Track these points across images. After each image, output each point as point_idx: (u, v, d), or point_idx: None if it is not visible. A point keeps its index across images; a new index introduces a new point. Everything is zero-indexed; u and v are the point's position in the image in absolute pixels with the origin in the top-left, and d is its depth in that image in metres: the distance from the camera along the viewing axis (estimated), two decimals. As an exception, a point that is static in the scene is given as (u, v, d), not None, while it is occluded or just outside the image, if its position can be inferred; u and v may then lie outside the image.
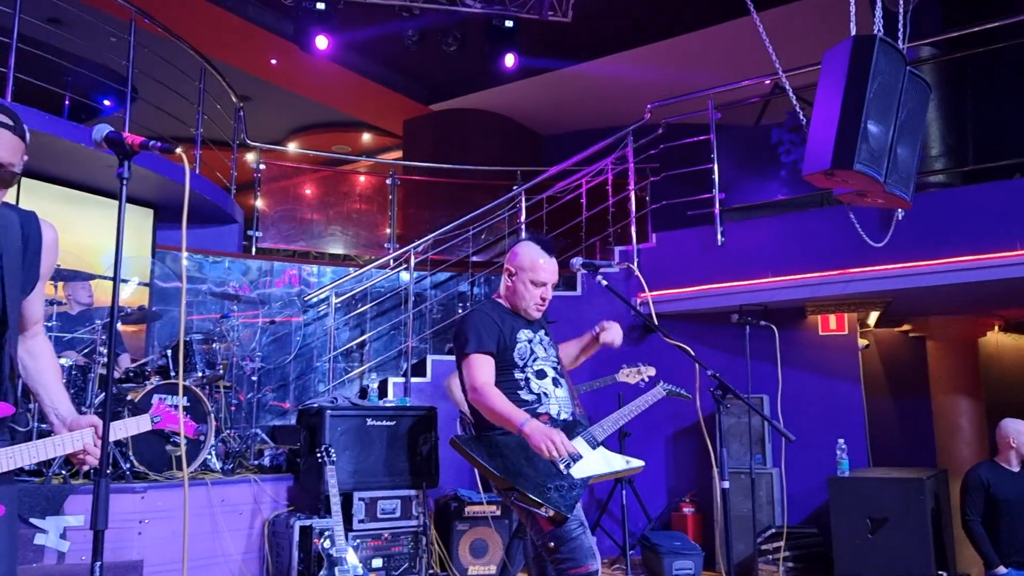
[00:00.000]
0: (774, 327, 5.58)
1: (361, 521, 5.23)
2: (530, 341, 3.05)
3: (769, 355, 5.94)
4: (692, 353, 3.00)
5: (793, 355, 6.12)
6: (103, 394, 5.11)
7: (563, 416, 3.02)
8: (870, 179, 3.60)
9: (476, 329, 2.98)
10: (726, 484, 3.15)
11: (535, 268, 3.06)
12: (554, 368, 3.09)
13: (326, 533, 4.80)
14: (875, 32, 3.67)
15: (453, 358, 6.91)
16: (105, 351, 5.34)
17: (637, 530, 6.35)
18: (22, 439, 4.12)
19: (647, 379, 4.96)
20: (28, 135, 2.12)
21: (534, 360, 3.03)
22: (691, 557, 5.80)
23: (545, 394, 3.00)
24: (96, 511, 1.94)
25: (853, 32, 3.80)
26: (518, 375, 2.99)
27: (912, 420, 7.50)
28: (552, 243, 3.14)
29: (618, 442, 5.82)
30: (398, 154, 12.02)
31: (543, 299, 3.07)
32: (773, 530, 5.68)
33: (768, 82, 7.37)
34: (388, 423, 5.55)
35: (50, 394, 2.20)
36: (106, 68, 8.52)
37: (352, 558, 4.71)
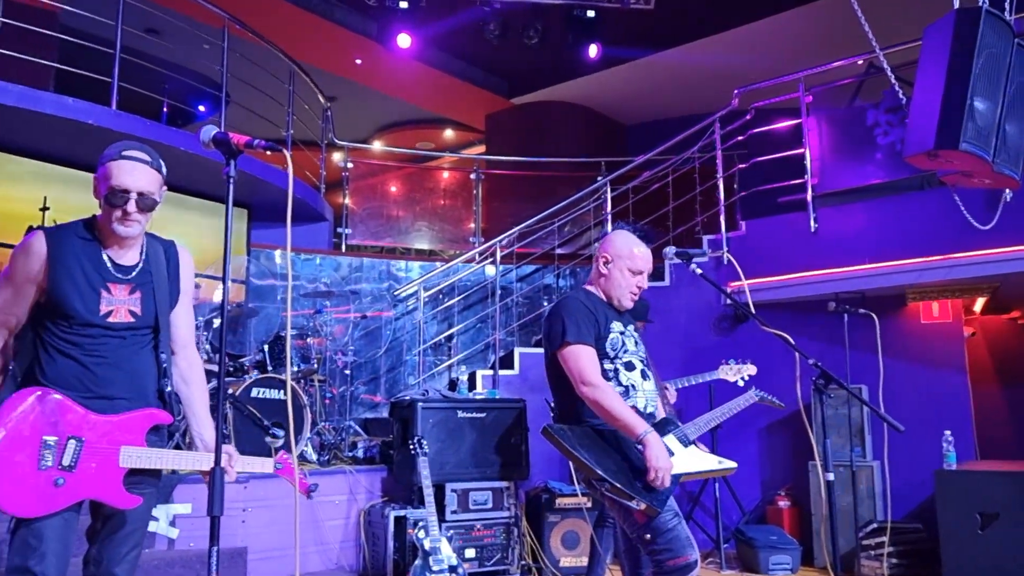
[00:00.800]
0: (874, 315, 5.39)
1: (454, 512, 5.29)
2: (622, 333, 3.02)
3: (868, 344, 5.74)
4: (792, 341, 2.91)
5: (894, 344, 5.90)
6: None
7: (649, 410, 2.99)
8: (977, 159, 3.44)
9: (574, 318, 2.94)
10: (831, 476, 3.05)
11: (633, 256, 3.02)
12: (642, 361, 3.06)
13: (420, 524, 4.87)
14: (980, 3, 3.49)
15: (540, 351, 6.96)
16: (208, 347, 5.55)
17: (731, 523, 6.24)
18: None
19: (747, 377, 4.95)
20: (164, 169, 2.49)
21: (624, 352, 3.00)
22: (788, 551, 5.67)
23: (633, 386, 2.97)
24: (212, 498, 2.03)
25: (956, 4, 3.63)
26: (607, 365, 2.95)
27: (1023, 412, 7.13)
28: (646, 232, 3.11)
29: (709, 434, 5.74)
30: (481, 149, 12.10)
31: (639, 288, 3.03)
32: (875, 525, 5.49)
33: (861, 62, 7.12)
34: (479, 415, 5.60)
35: (200, 422, 2.64)
36: (200, 74, 8.84)
37: (446, 548, 4.77)
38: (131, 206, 2.36)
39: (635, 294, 3.02)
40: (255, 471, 2.57)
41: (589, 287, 3.13)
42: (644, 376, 3.01)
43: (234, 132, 2.19)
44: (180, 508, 4.69)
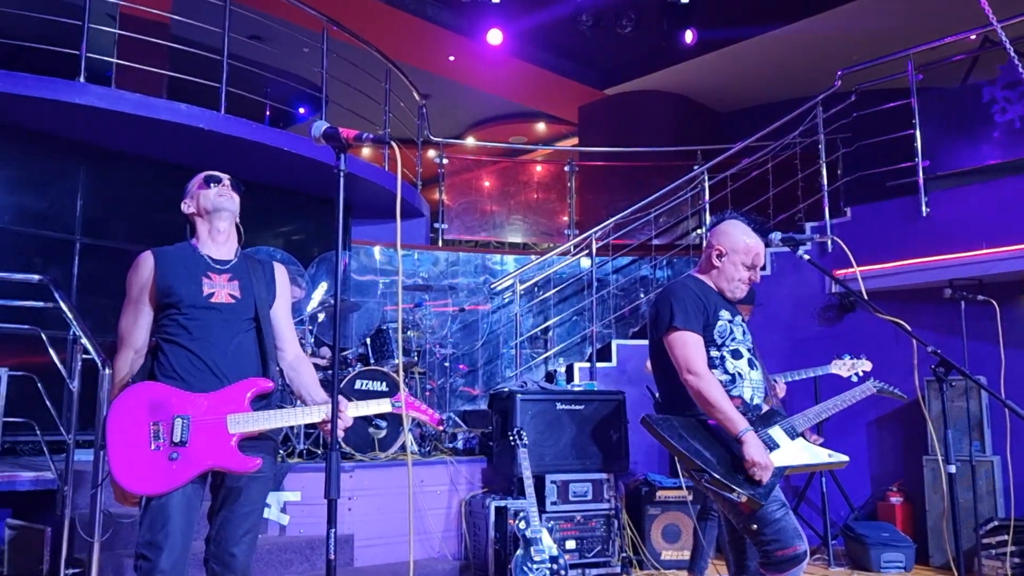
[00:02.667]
0: (994, 302, 5.12)
1: (554, 503, 5.30)
2: (730, 321, 2.97)
3: (988, 333, 5.45)
4: (908, 328, 2.78)
5: (1016, 333, 5.59)
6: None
7: (755, 401, 2.93)
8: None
9: (683, 304, 2.90)
10: (952, 468, 2.91)
11: (748, 250, 2.98)
12: (750, 350, 3.00)
13: (521, 514, 4.90)
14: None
15: (637, 343, 6.90)
16: (312, 341, 5.73)
17: (838, 519, 6.04)
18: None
19: (861, 374, 4.65)
20: (242, 189, 2.92)
21: (732, 340, 2.95)
22: (901, 549, 5.46)
23: (740, 375, 2.91)
24: (329, 481, 2.09)
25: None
26: (714, 353, 2.91)
27: None
28: (756, 223, 3.05)
29: (815, 427, 5.56)
30: (574, 141, 12.06)
31: (751, 280, 2.99)
32: (996, 522, 5.22)
33: (975, 36, 6.77)
34: (577, 407, 5.59)
35: (310, 391, 2.80)
36: (300, 77, 9.12)
37: (547, 539, 4.79)
38: (225, 182, 2.86)
39: (745, 288, 2.98)
40: (370, 412, 2.73)
41: (699, 275, 3.09)
42: (751, 365, 2.96)
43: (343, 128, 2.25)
44: (290, 495, 4.85)
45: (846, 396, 3.04)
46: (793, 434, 2.87)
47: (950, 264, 5.72)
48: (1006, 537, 5.05)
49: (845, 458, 2.91)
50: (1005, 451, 5.45)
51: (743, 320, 3.05)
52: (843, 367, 4.58)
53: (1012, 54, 4.26)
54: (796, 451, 2.84)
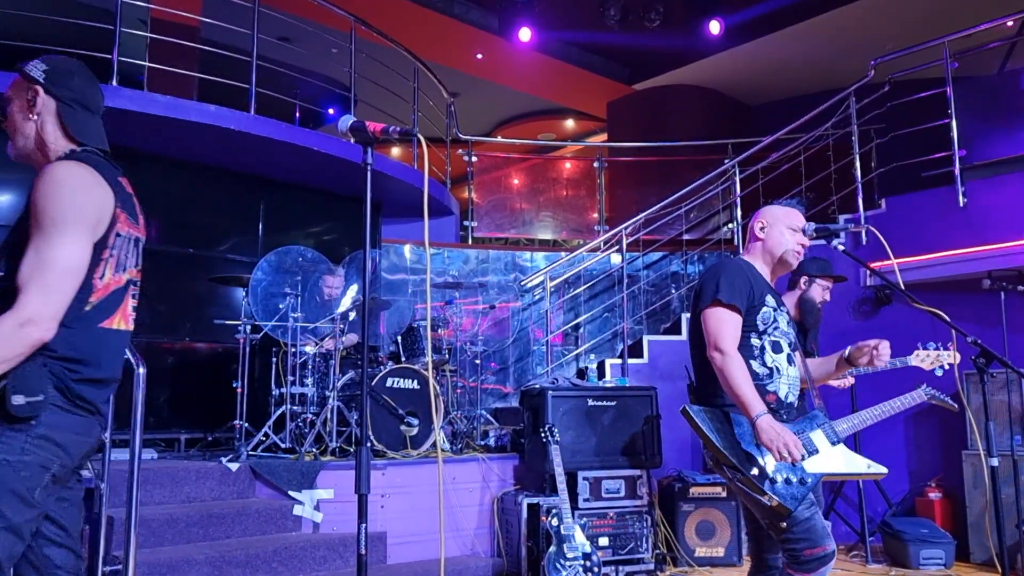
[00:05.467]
0: (1034, 293, 5.00)
1: (586, 500, 5.27)
2: (775, 309, 2.89)
3: (1028, 325, 5.35)
4: (948, 319, 2.71)
5: (1057, 324, 5.47)
6: (343, 376, 5.51)
7: (790, 399, 2.85)
8: None
9: (729, 278, 2.82)
10: (995, 461, 2.84)
11: (789, 215, 2.94)
12: (790, 344, 2.92)
13: (553, 511, 4.89)
14: None
15: (669, 338, 6.84)
16: (352, 339, 5.76)
17: (876, 516, 5.95)
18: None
19: (946, 367, 3.76)
20: (35, 72, 2.15)
21: (775, 329, 2.87)
22: (941, 546, 5.36)
23: (777, 369, 2.84)
24: (359, 477, 2.09)
25: None
26: (755, 341, 2.83)
27: None
28: (794, 199, 3.00)
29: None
30: (603, 137, 12.01)
31: (802, 245, 2.93)
32: (1039, 519, 5.11)
33: (1011, 23, 6.64)
34: (609, 403, 5.56)
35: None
36: (329, 77, 9.17)
37: (580, 536, 4.77)
38: None
39: (799, 253, 2.92)
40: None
41: (747, 257, 3.01)
42: (790, 361, 2.89)
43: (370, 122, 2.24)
44: (323, 493, 4.88)
45: (894, 403, 2.95)
46: (834, 439, 2.80)
47: (989, 255, 5.61)
48: (1050, 534, 4.93)
49: (884, 470, 2.82)
50: (1048, 445, 5.34)
51: (788, 313, 2.98)
52: (926, 358, 3.73)
53: (1051, 39, 4.17)
54: (835, 458, 2.77)
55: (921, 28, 7.24)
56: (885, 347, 2.87)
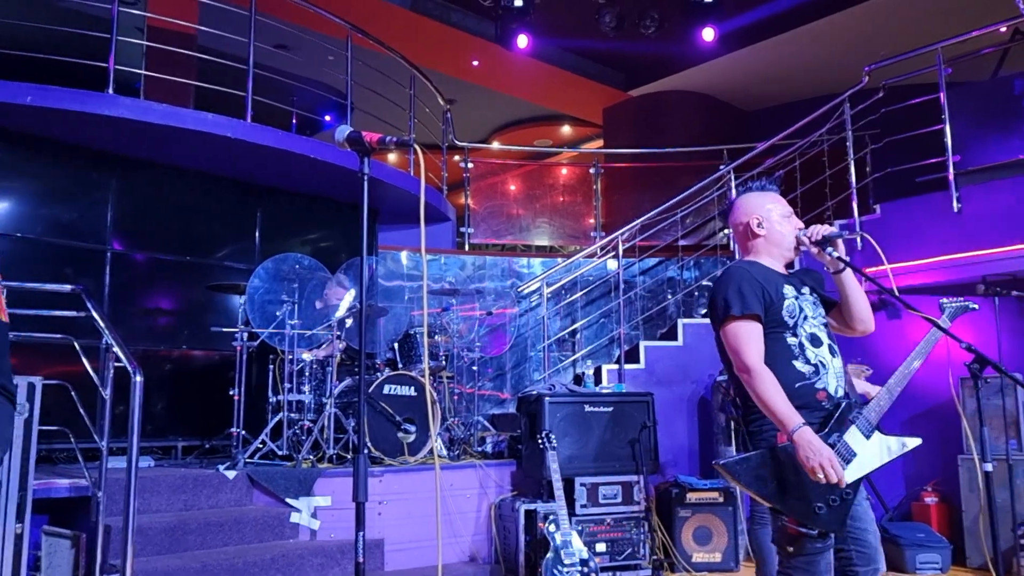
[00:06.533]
0: (1028, 298, 5.03)
1: (583, 506, 5.28)
2: (797, 297, 2.74)
3: (1022, 330, 5.37)
4: (942, 325, 2.71)
5: (1051, 329, 5.50)
6: (340, 383, 5.52)
7: (839, 393, 2.68)
8: None
9: (738, 287, 2.66)
10: (989, 467, 2.85)
11: (776, 203, 2.85)
12: (826, 331, 2.76)
13: (551, 517, 4.90)
14: None
15: (665, 344, 6.85)
16: (340, 345, 5.76)
17: (873, 521, 5.96)
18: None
19: (866, 378, 4.85)
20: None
21: (804, 320, 2.71)
22: (937, 550, 5.38)
23: (823, 364, 2.67)
24: (357, 485, 2.09)
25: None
26: (790, 339, 2.67)
27: None
28: (765, 180, 2.93)
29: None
30: (599, 143, 12.04)
31: (799, 229, 2.81)
32: (1035, 523, 5.13)
33: (1005, 28, 6.67)
34: (606, 409, 5.57)
35: None
36: (326, 85, 9.19)
37: (577, 542, 4.78)
38: None
39: (802, 239, 2.78)
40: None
41: (748, 257, 2.88)
42: (832, 352, 2.71)
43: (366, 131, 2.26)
44: (320, 500, 4.89)
45: (916, 353, 2.73)
46: (869, 431, 2.62)
47: (983, 260, 5.63)
48: (1046, 537, 4.95)
49: (918, 440, 2.68)
50: (1043, 450, 5.36)
51: (811, 292, 2.81)
52: (853, 371, 4.44)
53: (1044, 45, 4.20)
54: (871, 453, 2.60)
55: (915, 34, 7.28)
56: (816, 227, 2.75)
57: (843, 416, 2.61)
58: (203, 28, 6.87)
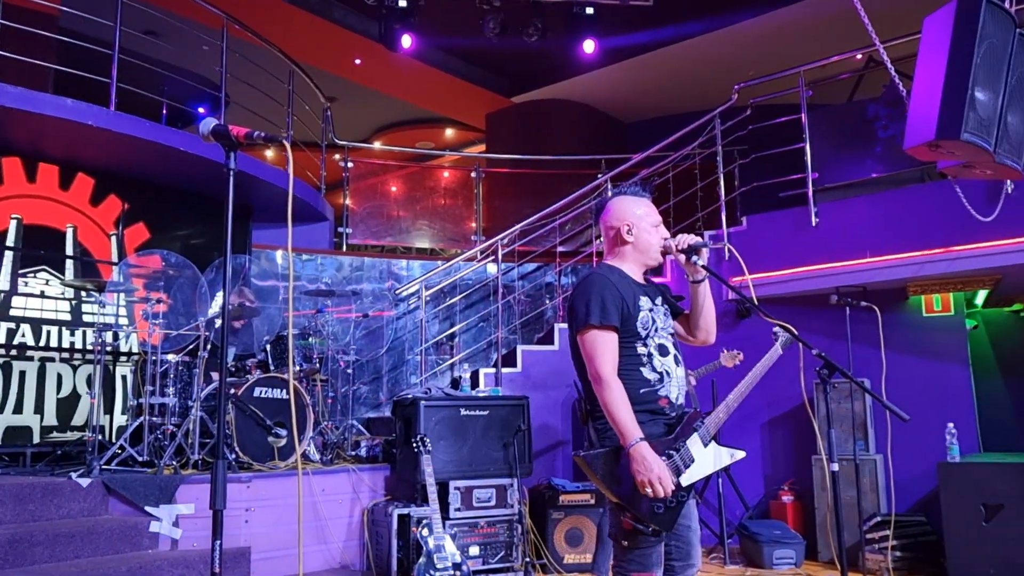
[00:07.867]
0: (876, 308, 5.38)
1: (457, 509, 5.29)
2: (651, 310, 2.84)
3: (871, 338, 5.74)
4: (796, 332, 2.86)
5: (896, 337, 5.89)
6: (208, 387, 5.31)
7: (680, 400, 2.82)
8: (978, 149, 3.42)
9: (599, 295, 2.74)
10: (835, 467, 3.03)
11: (648, 211, 2.92)
12: (673, 340, 2.89)
13: (424, 521, 4.87)
14: (980, -7, 3.47)
15: (542, 348, 6.95)
16: (209, 348, 5.55)
17: (734, 519, 6.23)
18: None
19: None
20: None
21: (656, 331, 2.82)
22: (792, 546, 5.66)
23: (668, 373, 2.79)
24: (215, 492, 2.02)
25: (956, -5, 3.62)
26: (640, 349, 2.77)
27: (1025, 404, 7.12)
28: (639, 185, 3.01)
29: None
30: (481, 147, 12.10)
31: (664, 238, 2.90)
32: (879, 518, 5.48)
33: (860, 56, 7.11)
34: (481, 413, 5.60)
35: None
36: (200, 76, 8.84)
37: (450, 546, 4.77)
38: None
39: (663, 245, 2.89)
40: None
41: (613, 262, 2.94)
42: (677, 362, 2.84)
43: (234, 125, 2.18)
44: (183, 508, 4.69)
45: (758, 367, 2.95)
46: (707, 439, 2.78)
47: (836, 272, 5.98)
48: (888, 532, 5.30)
49: (742, 452, 2.89)
50: (887, 450, 5.75)
51: (663, 303, 2.93)
52: (727, 359, 5.53)
53: (894, 73, 4.50)
54: (708, 460, 2.76)
55: (781, 57, 7.67)
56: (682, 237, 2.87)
57: (688, 424, 2.77)
58: (65, 8, 6.48)
